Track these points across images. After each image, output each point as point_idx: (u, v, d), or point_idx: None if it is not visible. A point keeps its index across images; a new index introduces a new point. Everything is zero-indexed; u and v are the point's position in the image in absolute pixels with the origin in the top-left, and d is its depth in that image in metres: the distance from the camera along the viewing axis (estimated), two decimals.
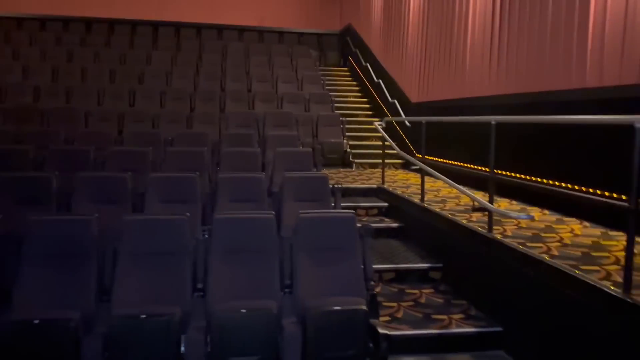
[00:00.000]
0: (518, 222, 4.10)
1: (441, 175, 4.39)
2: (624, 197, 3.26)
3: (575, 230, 3.87)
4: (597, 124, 3.59)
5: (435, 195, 5.61)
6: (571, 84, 4.32)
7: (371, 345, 2.90)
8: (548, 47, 4.65)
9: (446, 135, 6.52)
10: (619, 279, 2.63)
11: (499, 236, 3.63)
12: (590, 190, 3.93)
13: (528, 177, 4.78)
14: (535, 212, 4.56)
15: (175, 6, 12.92)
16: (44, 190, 4.33)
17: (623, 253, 3.24)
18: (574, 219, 4.22)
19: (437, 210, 4.67)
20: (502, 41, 5.49)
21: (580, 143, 4.12)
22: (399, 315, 3.62)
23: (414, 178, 7.13)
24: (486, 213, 3.80)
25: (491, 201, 3.74)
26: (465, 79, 6.40)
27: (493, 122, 3.70)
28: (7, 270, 3.11)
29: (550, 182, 4.50)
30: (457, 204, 5.00)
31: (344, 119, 8.95)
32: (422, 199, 5.00)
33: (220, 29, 12.97)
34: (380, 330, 2.90)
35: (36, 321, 2.62)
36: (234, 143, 6.25)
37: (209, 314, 2.89)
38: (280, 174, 4.85)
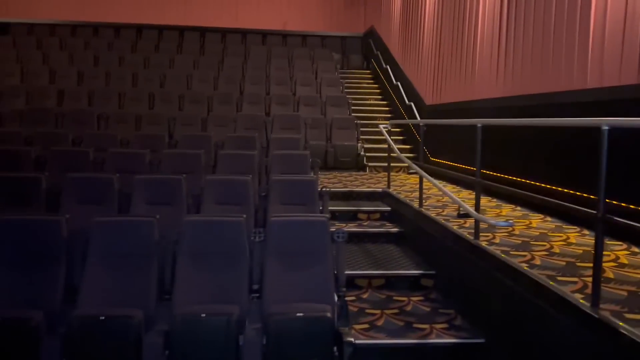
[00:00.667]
0: (512, 229, 3.94)
1: (432, 179, 4.27)
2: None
3: (570, 239, 3.68)
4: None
5: (438, 200, 5.47)
6: (572, 85, 4.25)
7: (337, 353, 2.83)
8: (551, 51, 4.61)
9: (456, 138, 6.37)
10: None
11: (484, 243, 3.49)
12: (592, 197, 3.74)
13: (532, 182, 4.60)
14: (536, 219, 4.38)
15: (200, 11, 13.12)
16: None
17: (611, 264, 3.07)
18: (574, 227, 4.03)
19: (431, 215, 4.54)
20: (508, 46, 5.45)
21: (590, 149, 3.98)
22: (379, 323, 3.50)
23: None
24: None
25: (477, 208, 3.59)
26: (475, 82, 6.28)
27: (479, 125, 3.56)
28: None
29: (554, 187, 4.32)
30: (456, 210, 4.84)
31: (360, 122, 8.87)
32: (420, 204, 4.87)
33: (244, 33, 13.07)
34: (347, 338, 2.82)
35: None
36: (234, 146, 6.28)
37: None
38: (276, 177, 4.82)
